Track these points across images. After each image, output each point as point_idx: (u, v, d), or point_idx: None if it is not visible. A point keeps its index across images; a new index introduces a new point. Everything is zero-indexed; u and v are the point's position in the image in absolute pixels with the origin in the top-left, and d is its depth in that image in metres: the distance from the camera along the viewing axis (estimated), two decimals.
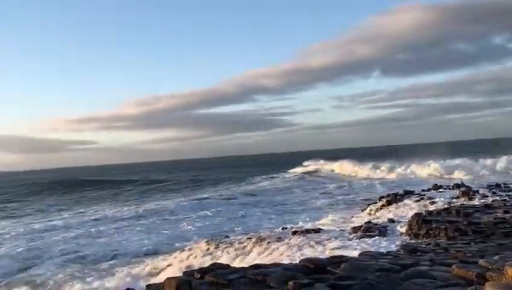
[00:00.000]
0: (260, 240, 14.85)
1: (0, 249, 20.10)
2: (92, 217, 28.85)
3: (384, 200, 22.58)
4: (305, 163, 70.65)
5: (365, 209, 22.34)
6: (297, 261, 8.46)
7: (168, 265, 14.38)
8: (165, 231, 22.11)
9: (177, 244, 18.26)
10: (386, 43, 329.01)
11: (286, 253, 12.10)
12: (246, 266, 8.87)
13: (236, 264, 11.04)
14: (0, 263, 17.23)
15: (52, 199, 48.69)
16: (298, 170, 65.61)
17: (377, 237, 12.71)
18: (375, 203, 22.96)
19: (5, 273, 15.72)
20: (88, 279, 14.01)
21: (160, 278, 11.34)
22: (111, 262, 16.32)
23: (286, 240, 14.08)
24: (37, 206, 41.12)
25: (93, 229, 23.73)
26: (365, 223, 15.70)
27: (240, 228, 21.58)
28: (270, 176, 60.82)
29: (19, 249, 19.62)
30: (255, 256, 12.96)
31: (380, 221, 16.18)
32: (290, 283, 6.25)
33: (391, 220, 15.90)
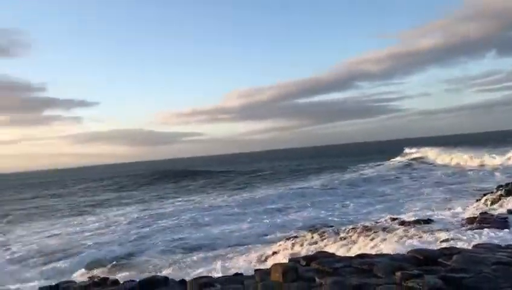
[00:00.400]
0: (366, 230, 14.59)
1: (112, 235, 22.01)
2: (198, 206, 30.38)
3: (503, 189, 20.82)
4: (409, 150, 67.41)
5: (480, 199, 20.78)
6: (405, 252, 8.22)
7: (274, 252, 14.67)
8: (268, 220, 22.55)
9: (280, 233, 18.58)
10: (502, 19, 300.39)
11: (393, 244, 11.74)
12: (352, 255, 8.81)
13: (341, 253, 11.00)
14: (110, 247, 18.78)
15: (164, 187, 52.07)
16: (404, 157, 62.91)
17: (493, 229, 11.82)
18: (492, 192, 21.27)
19: (113, 258, 16.87)
20: (192, 266, 14.53)
21: (266, 265, 11.68)
22: (216, 250, 16.87)
23: (393, 231, 13.67)
24: (150, 195, 44.31)
25: (199, 218, 24.93)
26: (480, 213, 14.69)
27: (343, 218, 21.35)
28: (374, 164, 59.06)
29: (129, 235, 21.34)
30: (360, 246, 12.76)
31: (497, 212, 15.01)
32: (398, 274, 6.10)
33: (511, 211, 14.68)
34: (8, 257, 18.01)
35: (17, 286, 13.36)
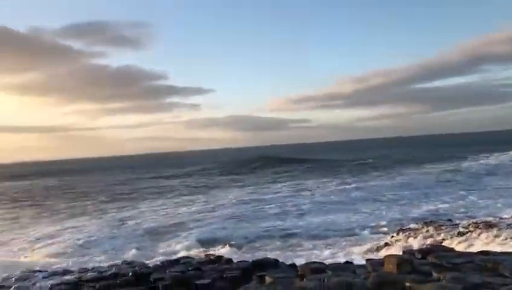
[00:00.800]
0: (488, 226, 13.50)
1: (220, 216, 22.98)
2: (304, 193, 30.40)
3: None
4: None
5: None
6: None
7: (386, 244, 14.22)
8: (377, 211, 21.80)
9: (391, 225, 17.89)
10: None
11: None
12: (473, 251, 8.24)
13: (460, 249, 10.31)
14: (217, 227, 19.71)
15: (272, 172, 53.10)
16: None
17: None
18: None
19: (220, 237, 17.57)
20: (297, 251, 14.53)
21: (378, 255, 11.37)
22: (324, 238, 16.60)
23: None
24: (258, 179, 45.52)
25: (303, 204, 25.03)
26: None
27: (461, 212, 19.93)
28: (500, 154, 54.11)
29: (234, 217, 22.18)
30: (482, 242, 11.85)
31: None
32: None
33: None
34: (128, 233, 19.75)
35: (137, 259, 14.55)
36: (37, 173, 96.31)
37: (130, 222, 22.80)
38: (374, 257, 9.51)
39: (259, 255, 13.04)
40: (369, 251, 13.71)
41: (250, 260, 9.13)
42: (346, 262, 8.73)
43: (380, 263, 7.09)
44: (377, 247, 14.01)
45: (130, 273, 8.27)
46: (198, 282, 7.53)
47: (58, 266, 11.14)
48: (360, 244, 14.91)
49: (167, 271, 8.31)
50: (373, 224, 18.67)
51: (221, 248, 15.55)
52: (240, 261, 9.20)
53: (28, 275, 9.41)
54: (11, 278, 9.38)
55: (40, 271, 9.61)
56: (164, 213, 25.60)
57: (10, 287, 8.58)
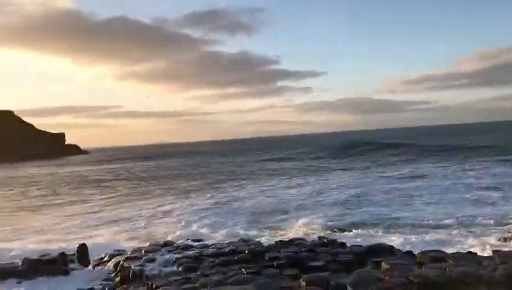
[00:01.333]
0: None
1: (324, 200, 22.92)
2: (416, 180, 28.69)
3: None
4: None
5: None
6: None
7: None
8: (499, 201, 19.61)
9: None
10: None
11: None
12: None
13: None
14: (322, 211, 19.39)
15: (387, 155, 51.37)
16: None
17: None
18: None
19: (319, 223, 17.08)
20: (413, 240, 13.57)
21: (506, 247, 10.49)
22: (436, 228, 15.29)
23: None
24: (367, 164, 44.07)
25: (415, 190, 23.81)
26: None
27: None
28: None
29: (338, 203, 21.75)
30: None
31: None
32: None
33: None
34: (239, 212, 20.55)
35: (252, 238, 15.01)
36: (162, 155, 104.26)
37: (241, 202, 23.70)
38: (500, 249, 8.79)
39: (370, 241, 12.62)
40: (496, 242, 12.58)
41: (364, 245, 9.01)
42: (469, 252, 8.21)
43: (511, 255, 6.57)
44: (504, 239, 12.85)
45: (247, 251, 8.65)
46: (311, 263, 7.63)
47: (181, 241, 11.96)
48: (482, 236, 13.68)
49: (281, 251, 8.54)
50: (496, 215, 16.81)
51: (328, 231, 15.41)
52: (354, 246, 9.13)
53: (155, 248, 10.31)
54: (141, 249, 10.35)
55: (166, 245, 10.45)
56: (273, 195, 26.16)
57: (141, 258, 9.47)
